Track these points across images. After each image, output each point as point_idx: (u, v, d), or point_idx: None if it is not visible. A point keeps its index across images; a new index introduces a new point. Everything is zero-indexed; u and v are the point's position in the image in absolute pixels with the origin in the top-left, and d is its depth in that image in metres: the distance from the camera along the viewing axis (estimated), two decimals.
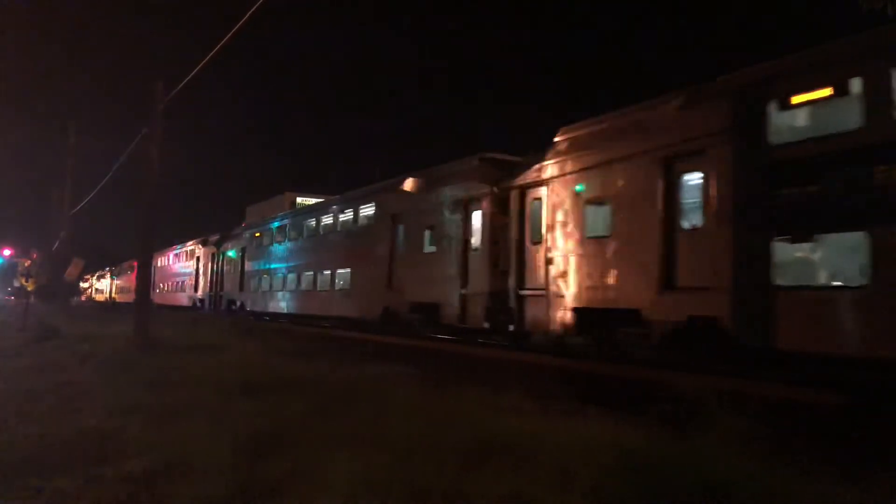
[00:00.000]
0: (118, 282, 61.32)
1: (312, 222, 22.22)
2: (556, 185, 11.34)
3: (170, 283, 41.94)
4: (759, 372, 8.11)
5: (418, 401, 5.78)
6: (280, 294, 23.80)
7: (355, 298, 18.08)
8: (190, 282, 36.15)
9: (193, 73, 12.22)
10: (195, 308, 33.53)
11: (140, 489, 4.03)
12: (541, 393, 6.28)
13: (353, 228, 19.03)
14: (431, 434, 4.41)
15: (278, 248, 24.61)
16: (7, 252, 31.60)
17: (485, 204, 12.99)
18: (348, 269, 18.70)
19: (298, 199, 32.59)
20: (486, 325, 12.66)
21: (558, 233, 11.17)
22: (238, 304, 27.79)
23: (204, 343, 11.67)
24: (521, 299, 11.91)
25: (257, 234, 26.88)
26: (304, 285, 21.92)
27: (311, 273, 21.21)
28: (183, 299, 37.20)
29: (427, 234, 14.98)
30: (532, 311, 11.70)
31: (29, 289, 21.45)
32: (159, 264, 43.63)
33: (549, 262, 11.25)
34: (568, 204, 11.03)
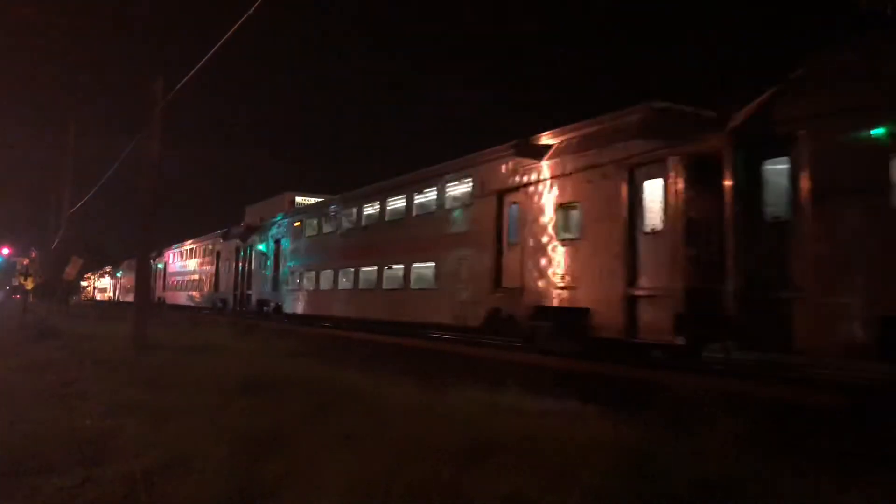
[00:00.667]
0: (122, 280, 59.97)
1: (375, 207, 18.28)
2: (826, 130, 7.55)
3: (184, 282, 38.26)
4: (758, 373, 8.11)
5: (418, 400, 5.78)
6: (329, 294, 20.04)
7: (443, 300, 14.31)
8: (209, 280, 32.57)
9: (193, 71, 12.19)
10: (216, 309, 30.08)
11: (138, 488, 4.02)
12: (541, 393, 6.29)
13: (438, 212, 15.24)
14: (430, 433, 4.40)
15: (326, 240, 20.92)
16: (6, 251, 31.57)
17: (669, 169, 9.51)
18: (431, 264, 15.00)
19: (298, 199, 31.96)
20: (680, 339, 9.06)
21: (837, 202, 7.45)
22: (272, 305, 24.15)
23: (204, 343, 11.66)
24: (749, 304, 8.24)
25: (297, 224, 22.99)
26: (363, 283, 18.12)
27: (374, 268, 17.43)
28: (200, 299, 33.69)
29: (561, 214, 11.29)
30: (777, 321, 7.95)
31: (27, 287, 21.44)
32: (171, 261, 41.02)
33: (815, 248, 7.64)
34: (854, 157, 7.34)
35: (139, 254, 14.31)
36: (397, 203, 17.23)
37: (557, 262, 11.21)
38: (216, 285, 31.20)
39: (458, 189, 14.68)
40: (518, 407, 5.79)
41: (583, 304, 10.55)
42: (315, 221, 22.01)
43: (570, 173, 11.20)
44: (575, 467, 3.67)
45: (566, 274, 10.99)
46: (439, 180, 15.25)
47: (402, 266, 16.24)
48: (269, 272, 24.57)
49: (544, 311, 11.30)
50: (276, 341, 13.10)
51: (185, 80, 12.54)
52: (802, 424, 5.39)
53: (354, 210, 19.40)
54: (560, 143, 11.90)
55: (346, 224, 19.85)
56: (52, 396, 7.25)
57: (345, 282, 19.22)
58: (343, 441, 4.42)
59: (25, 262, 26.37)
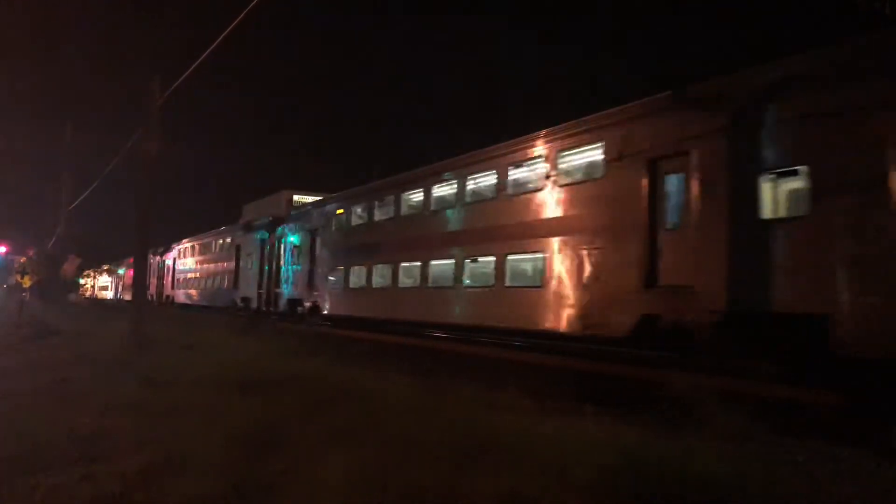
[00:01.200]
0: (126, 278, 58.49)
1: (450, 186, 14.96)
2: None
3: (197, 279, 35.12)
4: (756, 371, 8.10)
5: (415, 399, 5.78)
6: (385, 293, 16.88)
7: (557, 301, 11.28)
8: (227, 277, 29.62)
9: (190, 69, 12.19)
10: (236, 310, 27.00)
11: (135, 487, 4.02)
12: (538, 392, 6.28)
13: (549, 187, 11.93)
14: (429, 432, 4.40)
15: (380, 229, 17.71)
16: (2, 249, 31.52)
17: None
18: (538, 255, 11.97)
19: (296, 198, 31.52)
20: None
21: None
22: (306, 305, 21.14)
23: (203, 342, 11.65)
24: None
25: (340, 212, 19.88)
26: (434, 280, 14.90)
27: (451, 262, 14.24)
28: (217, 298, 30.73)
29: (770, 183, 8.30)
30: None
31: (25, 285, 21.40)
32: (181, 257, 38.38)
33: None
34: None
35: (136, 251, 14.29)
36: (484, 180, 13.99)
37: (763, 250, 8.15)
38: (236, 283, 28.29)
39: (581, 158, 11.61)
40: (516, 405, 5.79)
41: (815, 310, 7.50)
42: (363, 208, 18.78)
43: (787, 124, 8.06)
44: (573, 466, 3.67)
45: (782, 267, 7.90)
46: (550, 148, 12.08)
47: (492, 258, 13.10)
48: (303, 268, 21.48)
49: (739, 320, 8.34)
50: (276, 340, 13.09)
51: (182, 77, 12.55)
52: (801, 423, 5.40)
53: (420, 191, 16.01)
54: (762, 84, 8.58)
55: (407, 209, 16.62)
56: (50, 394, 7.22)
57: (407, 278, 16.03)
58: (341, 439, 4.42)
59: (23, 260, 26.34)
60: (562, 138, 11.94)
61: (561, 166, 11.88)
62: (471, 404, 5.58)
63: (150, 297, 41.04)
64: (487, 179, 13.88)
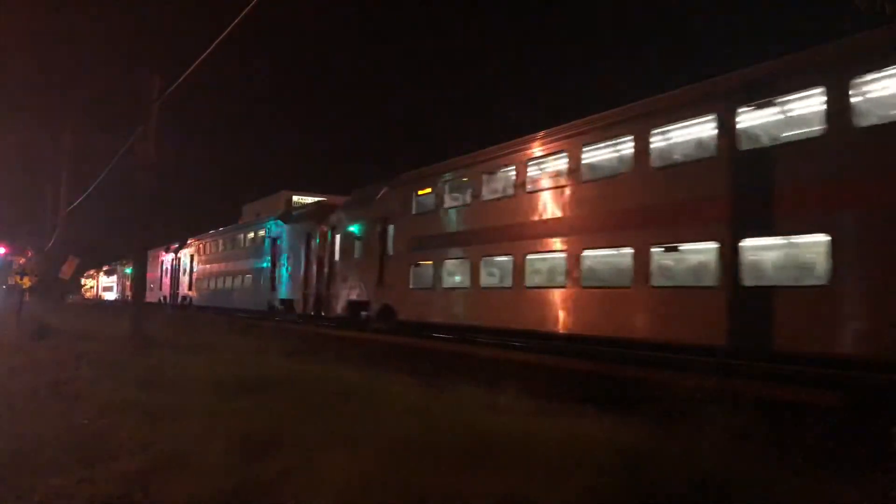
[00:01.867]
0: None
1: (621, 145, 11.30)
2: None
3: (222, 278, 31.04)
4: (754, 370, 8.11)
5: (415, 399, 5.78)
6: (500, 295, 13.27)
7: (857, 304, 7.64)
8: (261, 276, 26.09)
9: (190, 69, 12.17)
10: (275, 312, 24.16)
11: (134, 488, 4.02)
12: (537, 392, 6.28)
13: (824, 138, 8.09)
14: (428, 433, 4.40)
15: (493, 211, 13.66)
16: (1, 250, 31.52)
17: None
18: (815, 237, 8.25)
19: (295, 198, 31.37)
20: None
21: None
22: (375, 308, 17.33)
23: (203, 342, 11.65)
24: None
25: (423, 192, 16.15)
26: (588, 278, 11.33)
27: (621, 251, 10.71)
28: (248, 300, 27.13)
29: None
30: None
31: (24, 286, 21.39)
32: (201, 253, 34.37)
33: None
34: None
35: (135, 252, 14.29)
36: (672, 136, 10.43)
37: None
38: (273, 283, 24.69)
39: (880, 92, 7.87)
40: (517, 406, 5.78)
41: None
42: (460, 185, 15.03)
43: None
44: (572, 467, 3.67)
45: None
46: (824, 77, 8.08)
47: (711, 244, 9.23)
48: (370, 264, 17.65)
49: None
50: (275, 340, 13.09)
51: (182, 77, 12.55)
52: (800, 423, 5.40)
53: (563, 156, 12.14)
54: None
55: (534, 183, 12.92)
56: (48, 396, 7.22)
57: (537, 276, 12.53)
58: (340, 441, 4.41)
59: (21, 261, 26.35)
60: (864, 59, 7.84)
61: (854, 101, 7.85)
62: (471, 405, 5.58)
63: (162, 299, 39.33)
64: (679, 134, 10.33)
